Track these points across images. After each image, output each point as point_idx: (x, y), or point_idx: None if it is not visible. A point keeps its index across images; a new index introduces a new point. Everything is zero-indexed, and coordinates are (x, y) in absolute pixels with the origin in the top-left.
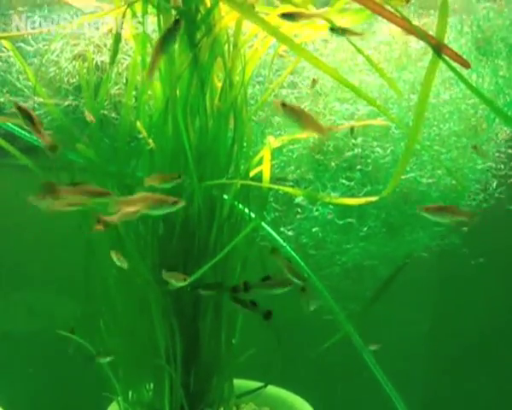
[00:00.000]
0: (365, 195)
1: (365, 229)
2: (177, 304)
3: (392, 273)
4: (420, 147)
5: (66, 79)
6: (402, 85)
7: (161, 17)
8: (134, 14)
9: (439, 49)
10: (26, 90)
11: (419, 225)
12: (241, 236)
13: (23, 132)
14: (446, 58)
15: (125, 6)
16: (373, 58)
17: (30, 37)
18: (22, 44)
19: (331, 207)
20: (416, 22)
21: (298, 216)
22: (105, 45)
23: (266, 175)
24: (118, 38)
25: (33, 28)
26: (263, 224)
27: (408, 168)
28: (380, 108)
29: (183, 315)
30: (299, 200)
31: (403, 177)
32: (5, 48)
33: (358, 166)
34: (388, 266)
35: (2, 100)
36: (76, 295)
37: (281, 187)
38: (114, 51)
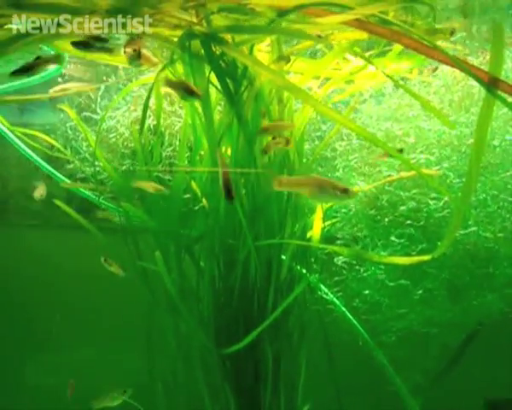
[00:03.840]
0: (421, 252)
1: (420, 292)
2: (237, 368)
3: (462, 343)
4: (485, 196)
5: (125, 144)
6: (464, 130)
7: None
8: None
9: (493, 85)
10: (88, 156)
11: (488, 286)
12: (295, 294)
13: (91, 195)
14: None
15: (163, 68)
16: (433, 103)
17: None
18: (88, 113)
19: (382, 266)
20: (480, 58)
21: (349, 277)
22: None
23: (316, 235)
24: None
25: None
26: (321, 285)
27: (473, 222)
28: (403, 159)
29: (243, 380)
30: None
31: (467, 231)
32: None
33: (411, 222)
34: (453, 334)
35: (71, 166)
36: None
37: (329, 246)
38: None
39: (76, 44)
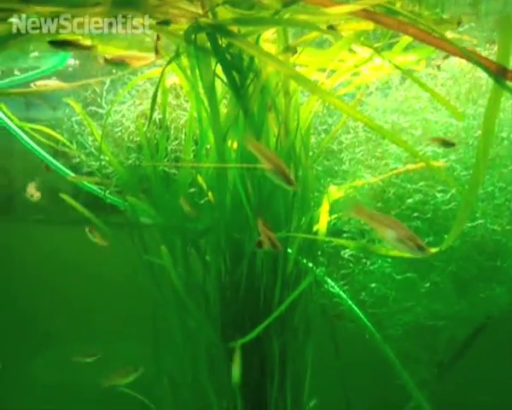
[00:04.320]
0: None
1: (427, 285)
2: (243, 363)
3: (469, 336)
4: (493, 189)
5: (131, 138)
6: (471, 122)
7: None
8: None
9: (501, 75)
10: (94, 150)
11: (495, 279)
12: (301, 288)
13: (97, 190)
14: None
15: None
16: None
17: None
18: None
19: (389, 260)
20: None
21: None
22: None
23: (323, 228)
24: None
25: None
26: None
27: (480, 214)
28: (413, 150)
29: (249, 375)
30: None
31: (474, 224)
32: None
33: (418, 214)
34: (460, 327)
35: (77, 160)
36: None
37: (336, 239)
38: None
39: (53, 43)
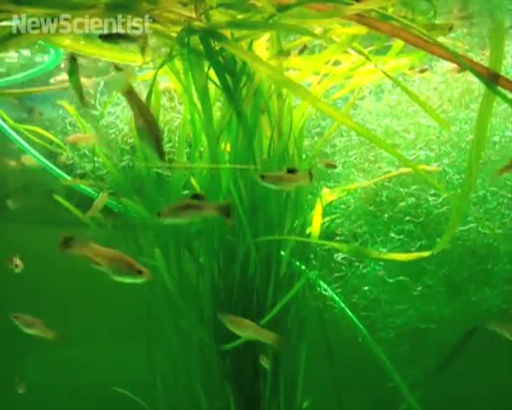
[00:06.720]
0: (420, 248)
1: (420, 288)
2: (236, 365)
3: (461, 340)
4: (485, 193)
5: (124, 140)
6: (463, 126)
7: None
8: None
9: (493, 80)
10: (87, 152)
11: (487, 282)
12: (294, 290)
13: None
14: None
15: (162, 63)
16: (433, 99)
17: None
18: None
19: (381, 263)
20: (479, 54)
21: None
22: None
23: (315, 231)
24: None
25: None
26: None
27: (472, 218)
28: (401, 156)
29: (242, 376)
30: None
31: (466, 228)
32: None
33: (410, 218)
34: (452, 330)
35: (71, 162)
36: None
37: (329, 242)
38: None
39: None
